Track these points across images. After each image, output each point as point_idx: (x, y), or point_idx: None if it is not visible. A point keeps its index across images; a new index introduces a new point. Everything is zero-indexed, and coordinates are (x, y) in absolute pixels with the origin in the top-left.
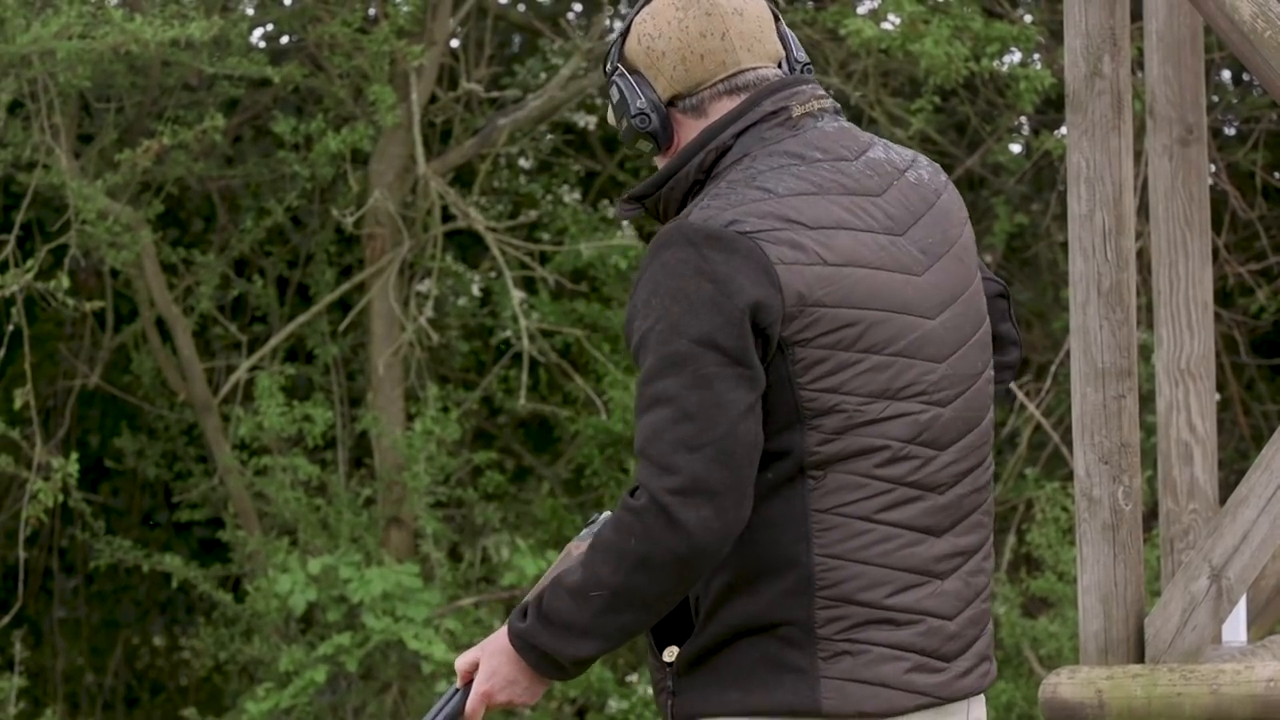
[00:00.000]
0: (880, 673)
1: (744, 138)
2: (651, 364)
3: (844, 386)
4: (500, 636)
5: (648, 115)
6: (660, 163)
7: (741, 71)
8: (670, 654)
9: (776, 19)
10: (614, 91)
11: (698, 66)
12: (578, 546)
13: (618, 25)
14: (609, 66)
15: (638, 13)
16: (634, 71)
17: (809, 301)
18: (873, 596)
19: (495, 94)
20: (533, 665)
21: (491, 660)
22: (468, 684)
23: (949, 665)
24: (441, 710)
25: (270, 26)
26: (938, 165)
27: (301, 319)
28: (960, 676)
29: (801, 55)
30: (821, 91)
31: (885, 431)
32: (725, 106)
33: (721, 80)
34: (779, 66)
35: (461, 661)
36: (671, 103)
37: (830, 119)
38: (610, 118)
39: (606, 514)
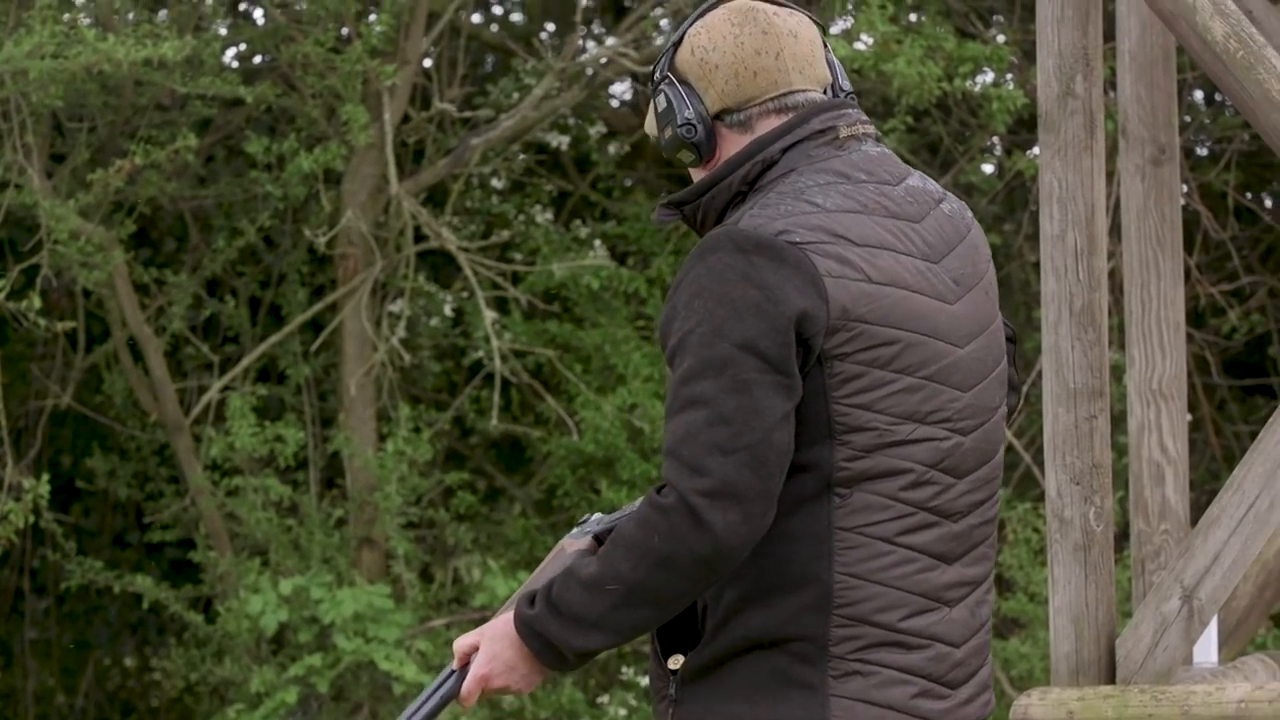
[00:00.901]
0: (889, 695)
1: (791, 153)
2: (690, 365)
3: (876, 405)
4: (503, 622)
5: (694, 125)
6: (697, 175)
7: (791, 92)
8: (675, 662)
9: (825, 46)
10: (661, 99)
11: (750, 83)
12: (572, 544)
13: (593, 43)
14: (658, 74)
15: (692, 24)
16: (683, 81)
17: (852, 316)
18: (887, 618)
19: (468, 114)
20: (535, 653)
21: (493, 644)
22: (464, 666)
23: (954, 693)
24: (437, 690)
25: (243, 46)
26: (963, 203)
27: (273, 339)
28: (963, 704)
29: (847, 84)
30: (865, 118)
31: (911, 454)
32: (772, 124)
33: (772, 99)
34: (824, 92)
35: (461, 643)
36: (718, 116)
37: (872, 144)
38: (650, 124)
39: (598, 515)
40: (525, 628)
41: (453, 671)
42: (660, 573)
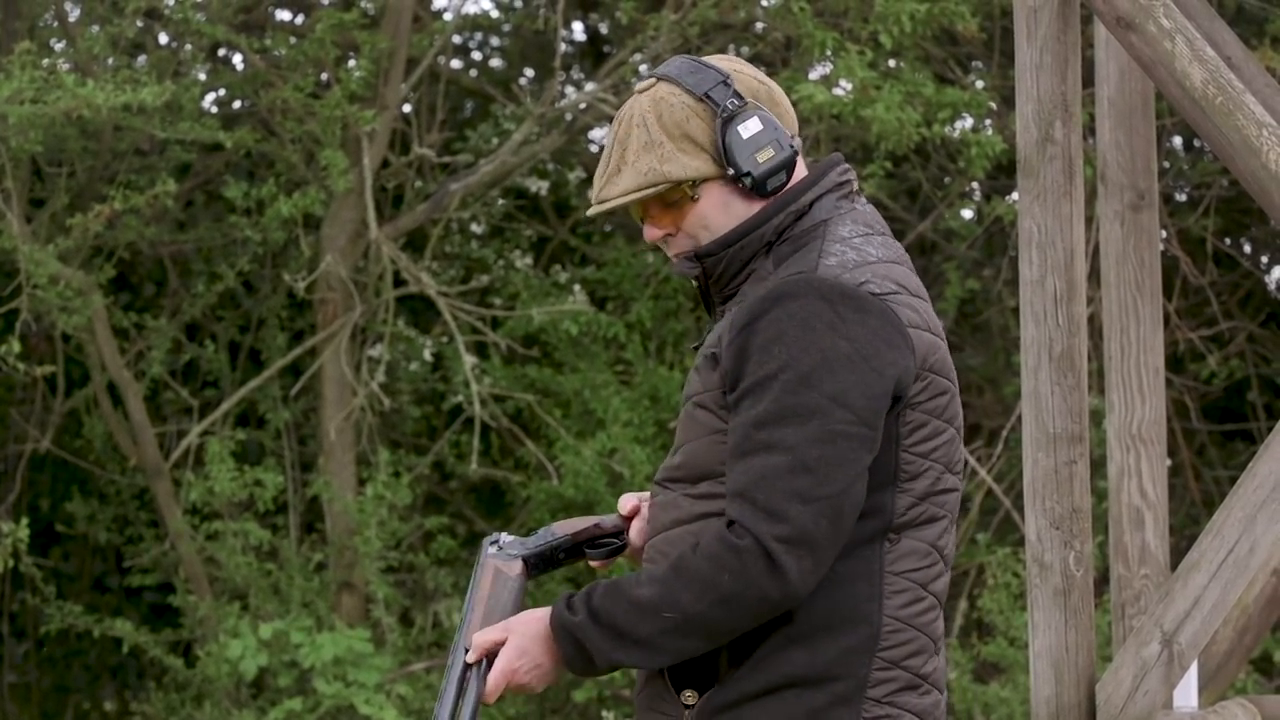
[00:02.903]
0: None
1: (819, 204)
2: (769, 410)
3: (934, 454)
4: (534, 620)
5: (788, 146)
6: (746, 207)
7: (795, 136)
8: (689, 697)
9: None
10: (754, 121)
11: (789, 120)
12: (506, 566)
13: (572, 89)
14: (732, 101)
15: (705, 60)
16: (760, 108)
17: (926, 366)
18: (915, 663)
19: (447, 159)
20: (566, 657)
21: (522, 640)
22: (480, 661)
23: None
24: (463, 682)
25: (222, 91)
26: None
27: (253, 384)
28: None
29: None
30: None
31: (945, 503)
32: (799, 170)
33: (794, 137)
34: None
35: (484, 637)
36: None
37: (860, 196)
38: (739, 151)
39: (508, 536)
40: (564, 631)
41: (468, 667)
42: (722, 609)
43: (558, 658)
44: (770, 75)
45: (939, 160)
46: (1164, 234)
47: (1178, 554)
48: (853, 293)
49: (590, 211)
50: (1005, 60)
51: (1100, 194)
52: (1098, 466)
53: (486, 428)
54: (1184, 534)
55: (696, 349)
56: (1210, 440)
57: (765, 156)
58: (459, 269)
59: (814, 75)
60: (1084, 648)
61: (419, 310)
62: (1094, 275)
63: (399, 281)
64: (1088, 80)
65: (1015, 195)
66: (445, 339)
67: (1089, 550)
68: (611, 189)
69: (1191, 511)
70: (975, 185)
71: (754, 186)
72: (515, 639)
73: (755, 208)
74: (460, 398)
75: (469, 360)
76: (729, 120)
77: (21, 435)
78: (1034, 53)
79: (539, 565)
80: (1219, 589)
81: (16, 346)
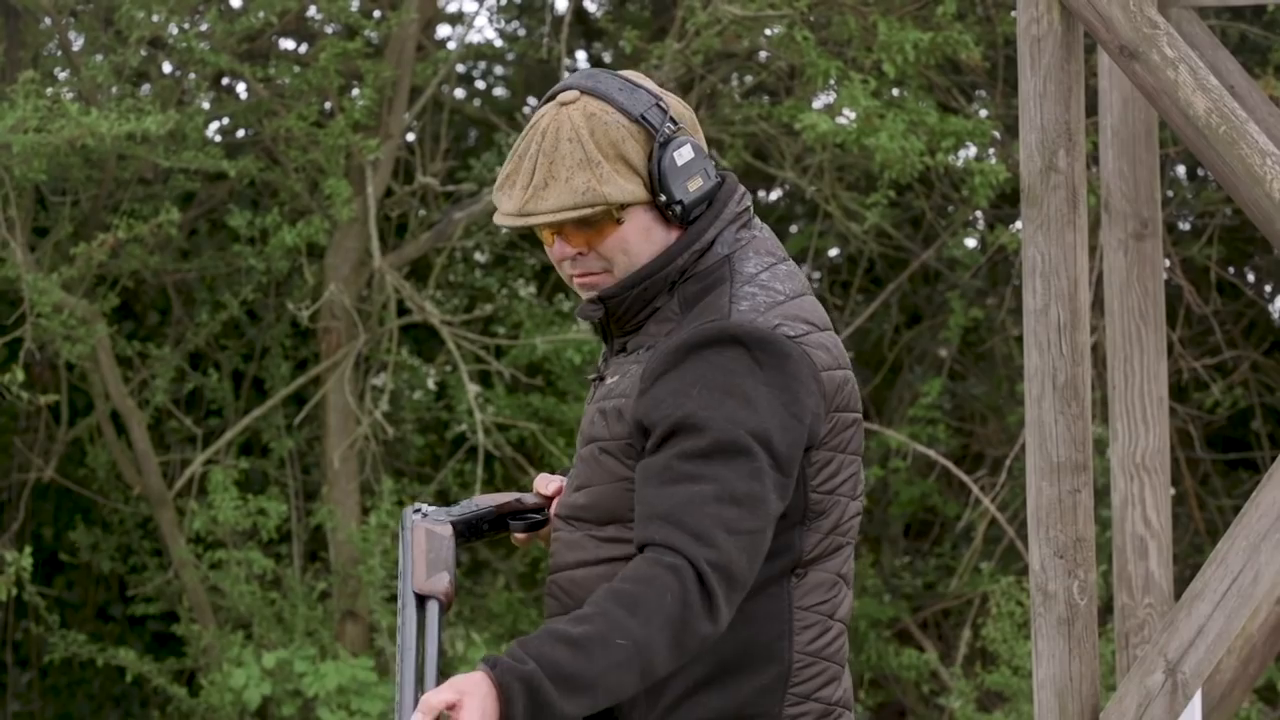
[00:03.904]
0: None
1: (720, 239)
2: (696, 444)
3: (839, 488)
4: (481, 680)
5: (712, 174)
6: (665, 234)
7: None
8: None
9: None
10: (686, 149)
11: (703, 145)
12: (436, 527)
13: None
14: (668, 127)
15: (630, 77)
16: (690, 135)
17: (832, 406)
18: (825, 693)
19: (451, 188)
20: (514, 715)
21: (478, 701)
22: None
23: None
24: None
25: (226, 120)
26: None
27: (257, 412)
28: None
29: None
30: None
31: (849, 530)
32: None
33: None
34: None
35: (435, 698)
36: None
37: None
38: (673, 178)
39: (433, 506)
40: (519, 684)
41: None
42: (666, 632)
43: (503, 717)
44: (773, 104)
45: (942, 189)
46: (1167, 263)
47: (1182, 583)
48: (768, 337)
49: (505, 223)
50: (1009, 89)
51: (1104, 223)
52: (1101, 495)
53: (490, 456)
54: (1188, 563)
55: (596, 380)
56: (1214, 469)
57: (695, 185)
58: (462, 298)
59: (817, 104)
60: (1088, 677)
61: (422, 339)
62: (1098, 304)
63: (402, 310)
64: (1091, 109)
65: (1019, 224)
66: (449, 368)
67: (1093, 579)
68: (539, 203)
69: (1195, 540)
70: (979, 214)
71: (681, 215)
72: (471, 700)
73: (673, 236)
74: (464, 426)
75: (472, 389)
76: (664, 145)
77: (25, 464)
78: (1037, 81)
79: (466, 533)
80: (1223, 618)
81: (20, 375)
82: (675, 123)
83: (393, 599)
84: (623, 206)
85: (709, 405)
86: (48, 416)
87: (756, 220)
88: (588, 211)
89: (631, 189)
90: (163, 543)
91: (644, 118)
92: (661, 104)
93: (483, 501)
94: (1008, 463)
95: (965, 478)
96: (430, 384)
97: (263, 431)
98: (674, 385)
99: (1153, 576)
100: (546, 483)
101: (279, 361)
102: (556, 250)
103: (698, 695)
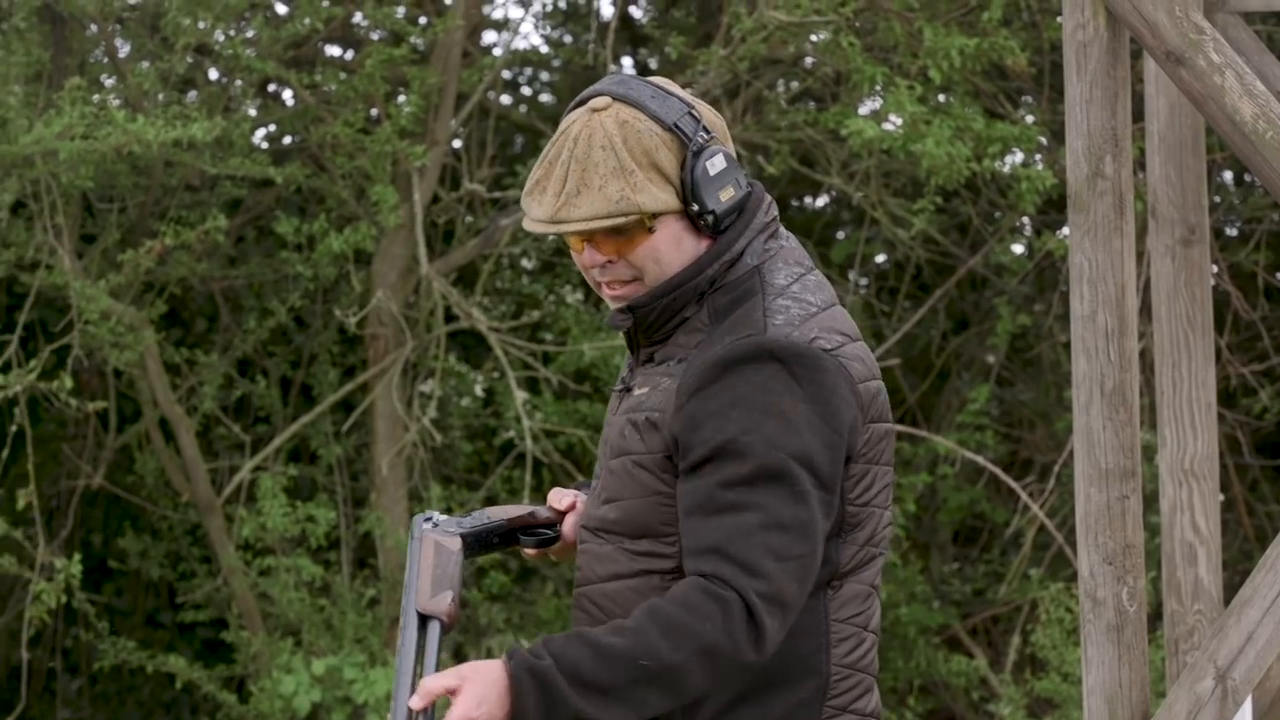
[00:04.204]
0: None
1: (749, 249)
2: (738, 471)
3: (874, 499)
4: (490, 669)
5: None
6: (695, 244)
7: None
8: None
9: None
10: (719, 159)
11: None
12: (445, 540)
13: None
14: (701, 136)
15: (661, 84)
16: (722, 145)
17: (868, 418)
18: (860, 705)
19: (497, 194)
20: (525, 708)
21: (479, 688)
22: (427, 709)
23: None
24: None
25: (273, 127)
26: None
27: (305, 419)
28: None
29: None
30: None
31: (883, 541)
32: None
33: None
34: None
35: (435, 683)
36: None
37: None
38: (705, 188)
39: (444, 516)
40: (530, 677)
41: (413, 714)
42: (700, 661)
43: (513, 709)
44: (819, 110)
45: (989, 195)
46: (1215, 269)
47: (1231, 589)
48: (806, 351)
49: (535, 230)
50: (1055, 95)
51: (1151, 229)
52: (1150, 502)
53: (538, 463)
54: (1237, 569)
55: (624, 390)
56: (1263, 475)
57: (727, 195)
58: (510, 304)
59: (864, 110)
60: (1137, 684)
61: (470, 346)
62: (1145, 310)
63: (450, 317)
64: (1138, 115)
65: (1066, 230)
66: (496, 374)
67: (1142, 586)
68: (572, 211)
69: (1244, 546)
70: (1025, 220)
71: (713, 225)
72: (471, 687)
73: (704, 245)
74: (512, 433)
75: (520, 396)
76: (697, 155)
77: (74, 471)
78: (1084, 87)
79: (475, 546)
80: (1273, 624)
81: (68, 382)
82: (708, 131)
83: None
84: (655, 215)
85: (749, 428)
86: (96, 424)
87: (783, 230)
88: (621, 220)
89: (664, 198)
90: (211, 549)
91: (677, 126)
92: (694, 112)
93: (495, 514)
94: (1056, 469)
95: (1014, 484)
96: (478, 390)
97: (311, 438)
98: (712, 405)
99: (1202, 583)
100: (560, 497)
101: (327, 368)
102: (586, 258)
103: (736, 709)
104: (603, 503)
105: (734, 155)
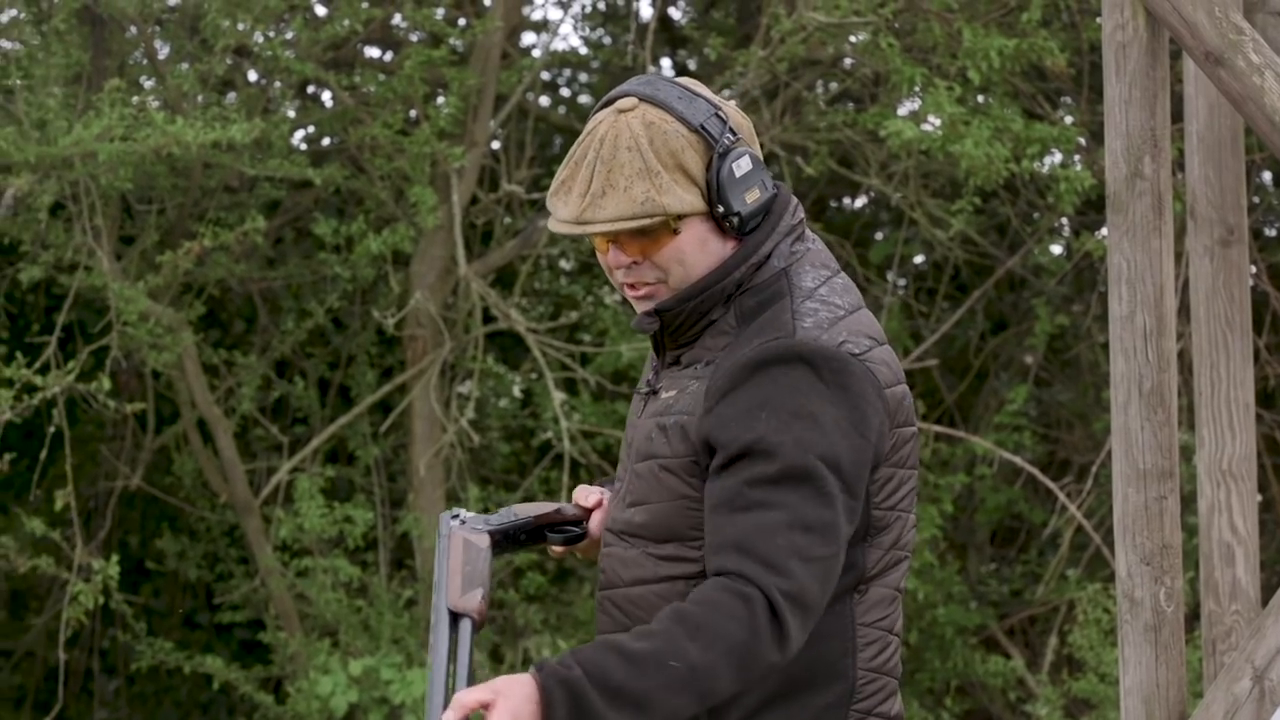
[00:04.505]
0: None
1: (776, 252)
2: (765, 471)
3: (900, 503)
4: (521, 683)
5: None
6: (721, 245)
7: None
8: None
9: None
10: (745, 160)
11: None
12: (475, 537)
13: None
14: (728, 138)
15: (689, 85)
16: (748, 147)
17: (895, 423)
18: (885, 708)
19: (536, 195)
20: (561, 718)
21: (513, 702)
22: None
23: None
24: None
25: (311, 129)
26: None
27: (343, 420)
28: None
29: None
30: None
31: (908, 544)
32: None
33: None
34: None
35: (468, 697)
36: None
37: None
38: (731, 190)
39: (470, 513)
40: (561, 689)
41: None
42: (728, 660)
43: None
44: (858, 111)
45: (1028, 195)
46: (1253, 269)
47: (1269, 590)
48: (834, 354)
49: (560, 230)
50: (1094, 95)
51: (1190, 229)
52: (1188, 502)
53: (576, 464)
54: (1275, 570)
55: (650, 394)
56: None
57: (753, 197)
58: (548, 305)
59: (902, 111)
60: (1175, 684)
61: (508, 347)
62: (1183, 310)
63: (488, 318)
64: (1177, 115)
65: (1104, 230)
66: (534, 375)
67: (1180, 586)
68: (598, 212)
69: None
70: (1064, 220)
71: (739, 227)
72: (506, 701)
73: (729, 247)
74: (549, 434)
75: (558, 397)
76: (723, 156)
77: (112, 472)
78: (1123, 88)
79: (502, 543)
80: None
81: (107, 384)
82: (734, 133)
83: None
84: (680, 217)
85: (778, 429)
86: (134, 425)
87: (810, 232)
88: (646, 221)
89: (690, 199)
90: (249, 550)
91: (703, 128)
92: (720, 114)
93: (522, 511)
94: (1094, 469)
95: (1051, 485)
96: (516, 391)
97: (349, 439)
98: (741, 406)
99: (1239, 583)
100: (586, 495)
101: (364, 369)
102: (611, 258)
103: (763, 713)
104: (628, 506)
105: (760, 157)
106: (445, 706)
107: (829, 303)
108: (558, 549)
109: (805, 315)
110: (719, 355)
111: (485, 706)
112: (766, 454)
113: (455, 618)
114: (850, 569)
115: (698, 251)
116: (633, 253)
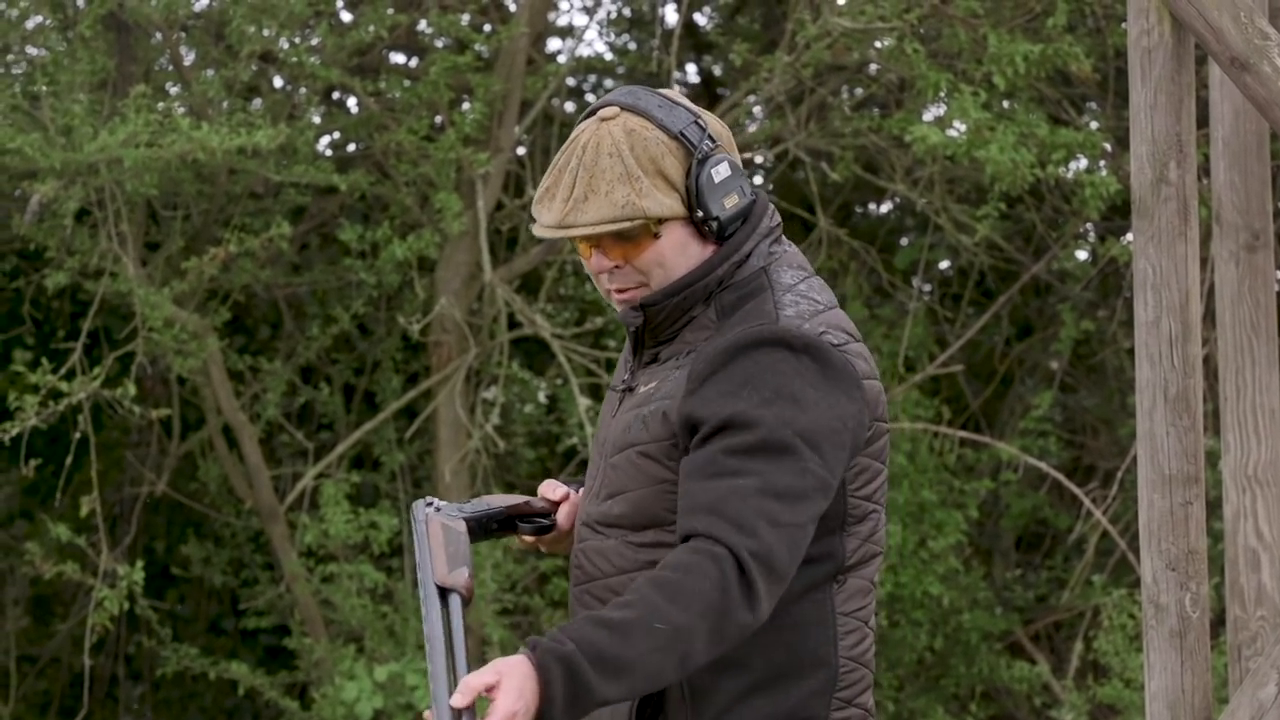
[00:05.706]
0: None
1: (755, 252)
2: (743, 440)
3: (875, 495)
4: (520, 662)
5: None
6: (700, 249)
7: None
8: None
9: None
10: (724, 166)
11: (739, 162)
12: (451, 523)
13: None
14: (706, 144)
15: (669, 95)
16: (727, 153)
17: (874, 415)
18: (864, 699)
19: None
20: (553, 697)
21: (517, 681)
22: (470, 706)
23: None
24: None
25: (337, 134)
26: None
27: (368, 426)
28: None
29: None
30: None
31: (881, 540)
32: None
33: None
34: None
35: (475, 680)
36: None
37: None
38: (710, 195)
39: (444, 502)
40: (559, 664)
41: (458, 712)
42: (706, 621)
43: (543, 697)
44: (884, 116)
45: (1053, 201)
46: (1279, 274)
47: None
48: (816, 343)
49: (544, 235)
50: (1119, 101)
51: (1215, 235)
52: (1213, 508)
53: None
54: None
55: (626, 390)
56: None
57: (731, 202)
58: (573, 311)
59: (928, 116)
60: (1200, 690)
61: (533, 353)
62: (1209, 316)
63: (513, 324)
64: (1202, 121)
65: (1130, 236)
66: (560, 381)
67: (1205, 592)
68: (580, 216)
69: None
70: (1089, 226)
71: (717, 231)
72: (509, 681)
73: (708, 251)
74: (575, 440)
75: (583, 402)
76: (702, 162)
77: (137, 478)
78: (1148, 93)
79: (476, 531)
80: None
81: (132, 390)
82: (713, 140)
83: (505, 612)
84: (660, 221)
85: (759, 405)
86: (159, 431)
87: (784, 237)
88: (626, 225)
89: (669, 204)
90: (274, 556)
91: (683, 135)
92: (700, 122)
93: (494, 502)
94: (1119, 475)
95: (1077, 490)
96: (541, 397)
97: (374, 445)
98: (723, 386)
99: (1265, 589)
100: (553, 488)
101: (390, 375)
102: (594, 263)
103: (749, 699)
104: (604, 500)
105: (740, 164)
106: (450, 677)
107: (808, 297)
108: (528, 539)
109: (786, 305)
110: (700, 345)
111: (490, 688)
112: (746, 425)
113: (444, 594)
114: (829, 557)
115: (678, 255)
116: (615, 257)
